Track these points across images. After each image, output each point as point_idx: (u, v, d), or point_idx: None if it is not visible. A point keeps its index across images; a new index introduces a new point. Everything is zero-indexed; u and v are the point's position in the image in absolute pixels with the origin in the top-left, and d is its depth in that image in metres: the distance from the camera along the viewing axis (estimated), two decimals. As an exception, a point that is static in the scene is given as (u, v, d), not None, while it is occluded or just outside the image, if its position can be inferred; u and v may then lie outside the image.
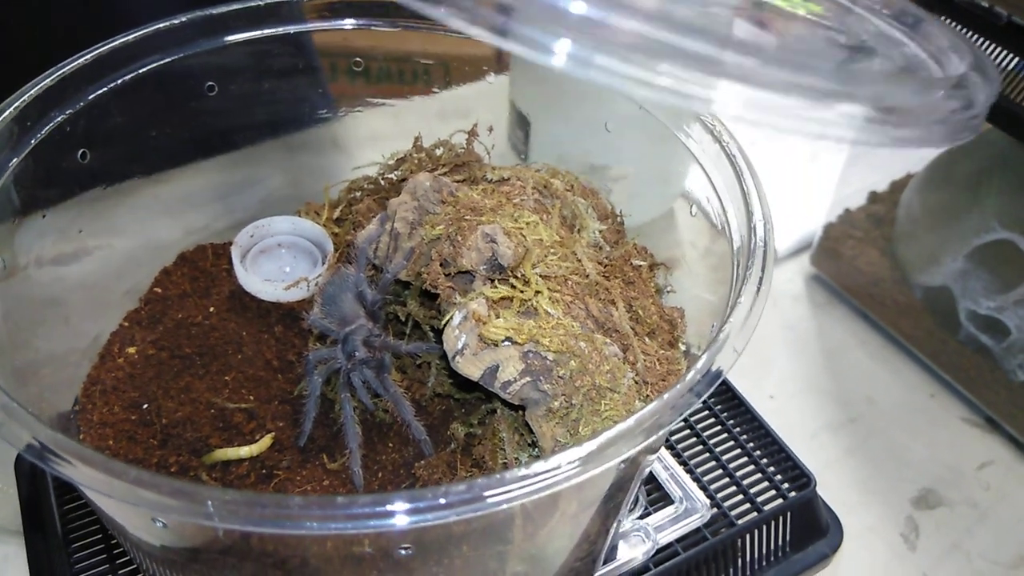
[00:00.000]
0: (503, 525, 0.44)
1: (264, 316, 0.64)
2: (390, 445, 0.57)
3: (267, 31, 0.62)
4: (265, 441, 0.57)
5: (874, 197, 0.96)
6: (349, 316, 0.58)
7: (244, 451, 0.56)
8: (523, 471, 0.37)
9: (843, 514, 0.66)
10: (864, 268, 0.92)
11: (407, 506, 0.35)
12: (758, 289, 0.45)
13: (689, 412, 0.40)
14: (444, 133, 0.66)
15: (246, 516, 0.35)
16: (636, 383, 0.50)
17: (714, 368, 0.41)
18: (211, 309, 0.65)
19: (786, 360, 0.89)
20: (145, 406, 0.58)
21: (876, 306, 0.92)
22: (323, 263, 0.67)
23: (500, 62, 0.69)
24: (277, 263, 0.68)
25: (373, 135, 0.74)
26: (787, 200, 1.03)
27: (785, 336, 0.92)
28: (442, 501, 0.36)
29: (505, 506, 0.36)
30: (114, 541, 0.59)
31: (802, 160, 1.12)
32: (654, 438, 0.39)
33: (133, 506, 0.37)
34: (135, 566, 0.57)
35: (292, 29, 0.62)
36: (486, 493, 0.36)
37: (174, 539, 0.46)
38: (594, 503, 0.47)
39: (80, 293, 0.63)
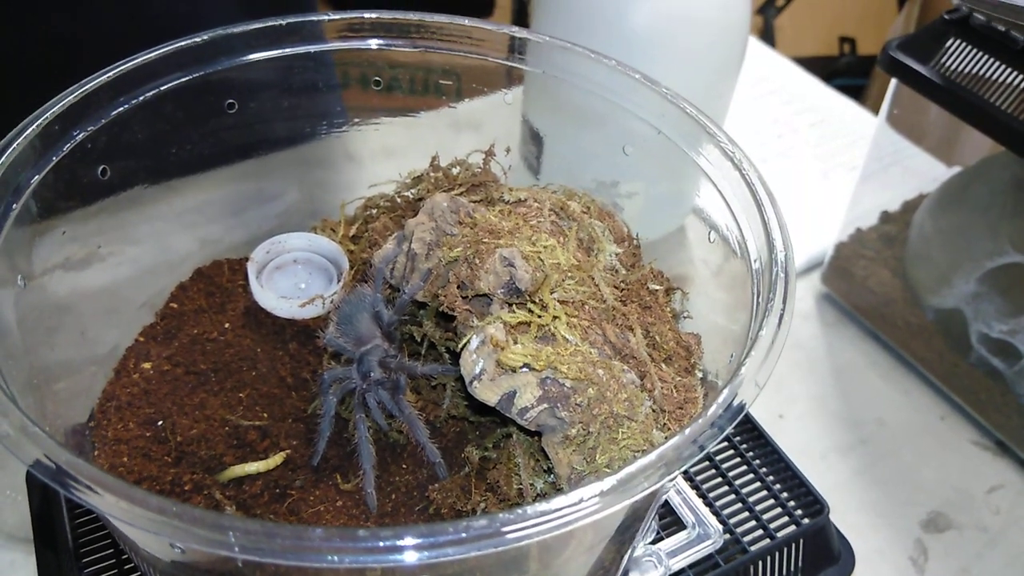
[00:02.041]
0: (520, 557, 0.44)
1: (279, 333, 0.64)
2: (404, 467, 0.57)
3: (288, 50, 0.62)
4: (275, 459, 0.56)
5: (886, 217, 0.96)
6: (365, 336, 0.58)
7: (251, 467, 0.56)
8: (543, 506, 0.37)
9: (852, 536, 0.66)
10: (875, 288, 0.92)
11: (426, 541, 0.35)
12: (779, 322, 0.45)
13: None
14: (458, 146, 0.66)
15: (267, 548, 0.35)
16: (653, 411, 0.50)
17: (736, 402, 0.41)
18: (226, 325, 0.65)
19: (795, 380, 0.89)
20: (160, 423, 0.58)
21: (887, 327, 0.92)
22: (339, 281, 0.67)
23: (513, 79, 0.69)
24: (293, 280, 0.68)
25: (388, 149, 0.74)
26: (798, 218, 1.03)
27: (795, 355, 0.92)
28: (462, 536, 0.36)
29: (525, 542, 0.36)
30: (125, 556, 0.59)
31: (814, 179, 1.12)
32: (675, 473, 0.39)
33: (154, 534, 0.36)
34: (146, 581, 0.58)
35: (314, 48, 0.63)
36: (506, 528, 0.36)
37: (187, 558, 0.46)
38: (610, 533, 0.47)
39: (97, 304, 0.64)
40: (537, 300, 0.51)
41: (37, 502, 0.62)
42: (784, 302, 0.45)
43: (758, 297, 0.49)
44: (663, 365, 0.53)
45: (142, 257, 0.67)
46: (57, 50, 0.86)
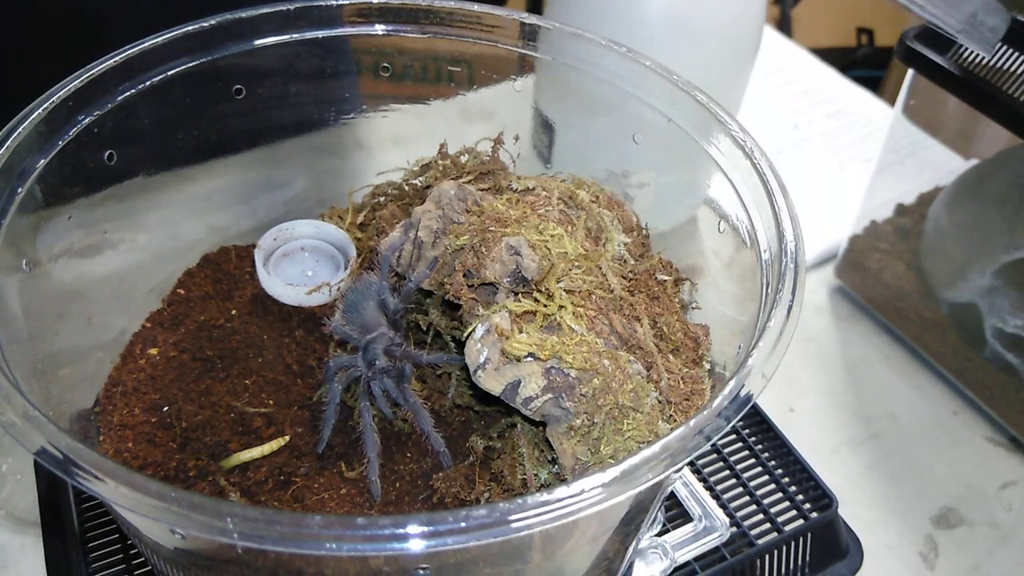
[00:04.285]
0: (522, 546, 0.44)
1: (285, 320, 0.64)
2: (408, 455, 0.57)
3: (296, 35, 0.62)
4: (274, 443, 0.56)
5: (901, 209, 0.95)
6: (371, 324, 0.57)
7: (249, 454, 0.56)
8: (545, 496, 0.36)
9: (861, 531, 0.66)
10: (889, 281, 0.91)
11: (426, 529, 0.35)
12: (788, 313, 0.44)
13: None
14: (469, 134, 0.66)
15: (264, 534, 0.35)
16: (659, 402, 0.49)
17: (743, 393, 0.41)
18: (233, 312, 0.64)
19: (807, 373, 0.89)
20: (165, 409, 0.58)
21: (901, 320, 0.91)
22: (346, 268, 0.66)
23: (525, 66, 0.68)
24: (300, 267, 0.68)
25: (397, 136, 0.74)
26: (813, 210, 1.02)
27: (807, 349, 0.91)
28: (462, 525, 0.35)
29: (525, 532, 0.36)
30: (130, 542, 0.59)
31: (829, 170, 1.11)
32: (680, 464, 0.38)
33: (153, 520, 0.36)
34: (151, 567, 0.58)
35: (321, 34, 0.62)
36: (507, 518, 0.36)
37: (189, 545, 0.45)
38: (614, 524, 0.46)
39: (104, 290, 0.63)
40: (543, 289, 0.51)
41: (45, 487, 0.63)
42: (793, 293, 0.45)
43: (767, 288, 0.48)
44: (670, 356, 0.53)
45: (151, 243, 0.67)
46: (75, 30, 0.85)
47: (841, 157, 1.13)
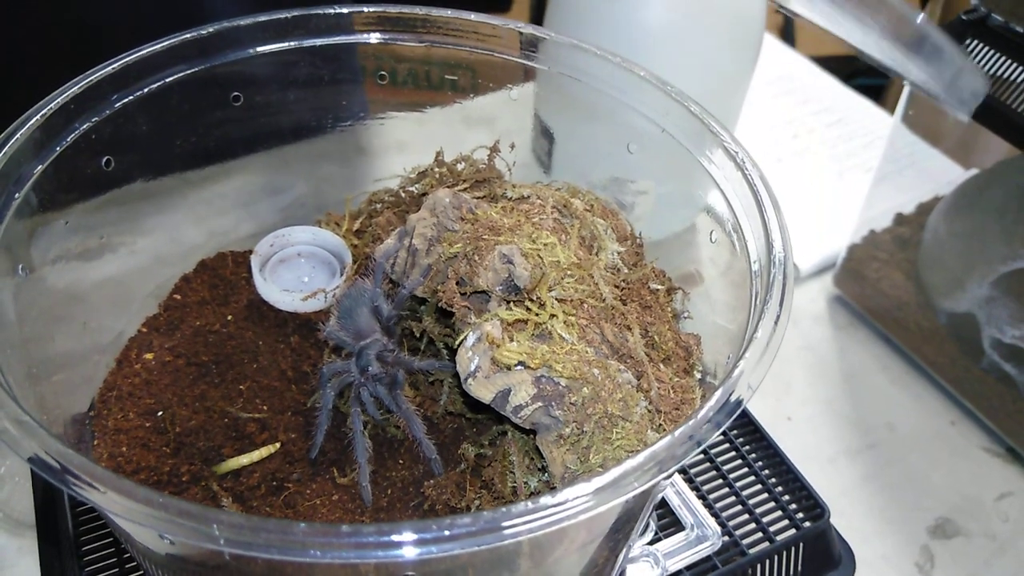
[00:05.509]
0: (510, 554, 0.44)
1: (281, 326, 0.65)
2: (400, 462, 0.57)
3: (294, 43, 0.62)
4: (265, 450, 0.56)
5: (900, 219, 0.95)
6: (364, 330, 0.58)
7: (235, 463, 0.56)
8: (531, 505, 0.36)
9: (857, 541, 0.66)
10: (888, 291, 0.91)
11: (413, 537, 0.35)
12: (775, 323, 0.44)
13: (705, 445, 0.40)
14: (469, 139, 0.66)
15: (251, 541, 0.35)
16: (649, 412, 0.49)
17: (732, 399, 0.41)
18: (229, 317, 0.65)
19: (805, 382, 0.89)
20: (160, 413, 0.58)
21: (899, 330, 0.91)
22: (341, 274, 0.67)
23: (526, 75, 0.68)
24: (296, 273, 0.68)
25: (397, 142, 0.74)
26: (812, 219, 1.02)
27: (805, 357, 0.91)
28: (447, 533, 0.35)
29: (512, 540, 0.36)
30: (124, 547, 0.59)
31: (829, 179, 1.11)
32: (668, 472, 0.38)
33: (142, 526, 0.37)
34: (143, 572, 0.58)
35: (319, 42, 0.63)
36: (492, 526, 0.36)
37: (179, 551, 0.46)
38: (604, 532, 0.47)
39: (101, 294, 0.64)
40: (535, 298, 0.51)
41: (41, 491, 0.63)
42: (781, 304, 0.45)
43: (756, 298, 0.48)
44: (661, 365, 0.53)
45: (150, 247, 0.68)
46: (78, 39, 0.86)
47: (841, 166, 1.13)
